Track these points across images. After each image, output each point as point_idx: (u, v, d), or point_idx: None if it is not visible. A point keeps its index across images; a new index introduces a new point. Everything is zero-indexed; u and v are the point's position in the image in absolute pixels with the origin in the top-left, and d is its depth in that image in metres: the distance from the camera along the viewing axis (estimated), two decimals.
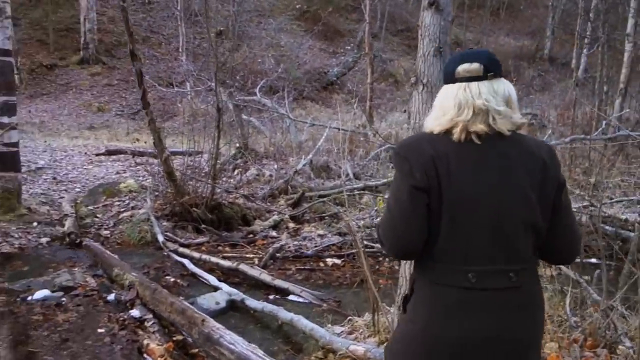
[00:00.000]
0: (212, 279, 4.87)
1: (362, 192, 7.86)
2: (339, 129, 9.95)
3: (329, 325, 3.82)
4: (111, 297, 4.43)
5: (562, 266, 4.20)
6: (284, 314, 3.93)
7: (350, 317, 3.86)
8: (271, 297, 4.68)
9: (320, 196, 7.66)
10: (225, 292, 4.52)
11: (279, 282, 4.75)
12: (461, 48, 23.85)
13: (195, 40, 19.68)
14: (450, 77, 1.64)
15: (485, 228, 1.53)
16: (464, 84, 1.59)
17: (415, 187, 1.53)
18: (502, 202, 1.54)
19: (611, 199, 6.34)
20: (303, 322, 3.70)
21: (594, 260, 5.58)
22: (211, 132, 7.70)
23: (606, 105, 11.89)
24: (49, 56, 19.55)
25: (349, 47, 22.48)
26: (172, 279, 5.01)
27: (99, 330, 3.75)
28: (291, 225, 6.96)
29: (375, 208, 7.56)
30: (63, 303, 4.25)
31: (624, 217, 6.24)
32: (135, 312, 4.07)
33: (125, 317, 3.97)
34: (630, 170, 9.35)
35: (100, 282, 4.76)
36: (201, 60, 17.42)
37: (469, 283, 1.53)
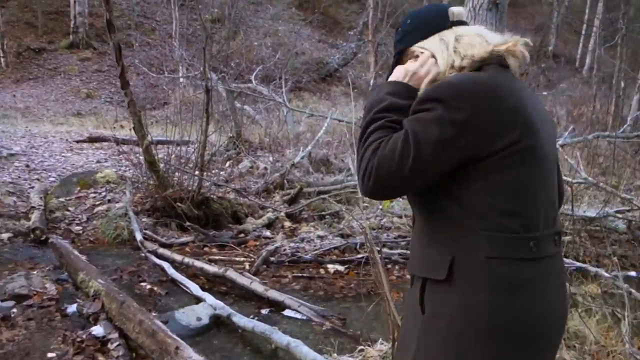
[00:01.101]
0: (195, 288, 4.14)
1: None
2: (340, 120, 9.24)
3: (335, 355, 3.11)
4: (72, 308, 3.71)
5: (617, 282, 3.50)
6: (278, 337, 3.21)
7: (362, 348, 3.14)
8: (264, 311, 3.96)
9: (320, 192, 6.94)
10: (209, 305, 3.80)
11: (273, 294, 4.03)
12: None
13: (189, 27, 18.89)
14: (443, 22, 1.46)
15: (543, 184, 1.35)
16: (460, 27, 1.44)
17: (466, 143, 1.28)
18: (553, 154, 1.42)
19: None
20: (302, 350, 2.99)
21: (633, 273, 4.90)
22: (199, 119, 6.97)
23: (623, 102, 11.22)
24: (37, 39, 18.70)
25: (348, 38, 21.72)
26: (148, 286, 4.29)
27: (49, 355, 3.02)
28: (287, 224, 6.24)
29: (380, 207, 6.87)
30: (12, 316, 3.52)
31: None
32: (97, 330, 3.34)
33: (85, 336, 3.24)
34: None
35: (62, 290, 4.03)
36: (194, 47, 16.66)
37: (530, 253, 1.30)
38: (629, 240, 5.36)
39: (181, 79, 14.84)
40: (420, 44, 1.48)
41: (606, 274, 3.45)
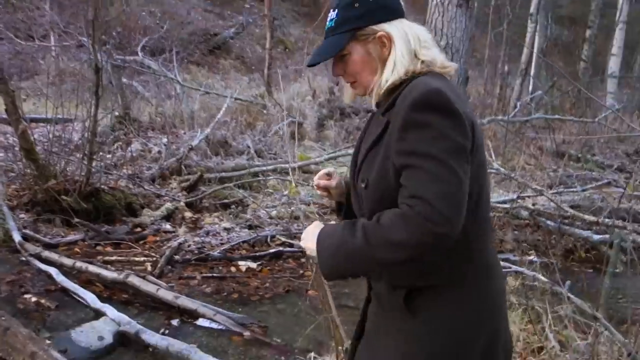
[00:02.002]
0: (91, 298, 3.63)
1: (270, 174, 6.85)
2: (239, 99, 8.79)
3: None
4: None
5: (536, 273, 3.53)
6: (199, 358, 2.87)
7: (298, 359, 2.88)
8: (174, 322, 3.56)
9: (222, 179, 6.53)
10: (112, 320, 3.33)
11: (185, 302, 3.63)
12: None
13: None
14: (402, 9, 1.39)
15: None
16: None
17: (470, 149, 1.25)
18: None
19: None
20: None
21: (532, 257, 5.08)
22: (83, 97, 6.21)
23: (507, 85, 11.82)
24: None
25: (239, 10, 20.97)
26: (34, 299, 3.69)
27: None
28: (188, 214, 5.78)
29: (285, 193, 6.61)
30: None
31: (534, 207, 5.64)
32: None
33: None
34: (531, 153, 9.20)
35: None
36: (69, 11, 15.11)
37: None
38: (528, 224, 5.57)
39: (53, 48, 13.42)
40: (384, 25, 1.35)
41: (527, 272, 3.46)
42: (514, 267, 3.47)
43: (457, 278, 1.33)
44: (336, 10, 1.38)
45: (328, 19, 1.41)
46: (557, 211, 4.85)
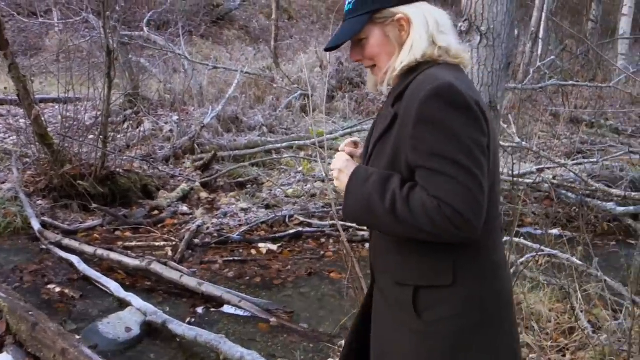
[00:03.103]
0: (115, 287, 3.62)
1: (284, 151, 6.78)
2: (248, 73, 8.66)
3: None
4: None
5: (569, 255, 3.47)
6: (228, 348, 2.85)
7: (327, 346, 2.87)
8: (199, 309, 3.56)
9: (236, 158, 6.46)
10: (137, 310, 3.33)
11: (209, 288, 3.61)
12: None
13: None
14: None
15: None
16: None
17: (487, 143, 1.23)
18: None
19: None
20: None
21: (555, 231, 5.02)
22: (89, 74, 6.11)
23: (517, 49, 11.54)
24: None
25: None
26: (58, 289, 3.69)
27: None
28: (204, 195, 5.75)
29: (300, 169, 6.55)
30: None
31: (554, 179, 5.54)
32: (5, 359, 2.78)
33: None
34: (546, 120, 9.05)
35: None
36: None
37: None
38: (548, 197, 5.49)
39: (56, 24, 13.23)
40: (403, 8, 1.31)
41: (561, 254, 3.41)
42: (547, 250, 3.40)
43: (462, 278, 1.31)
44: None
45: (346, 2, 1.38)
46: (579, 184, 4.76)
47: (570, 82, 7.70)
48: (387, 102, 1.38)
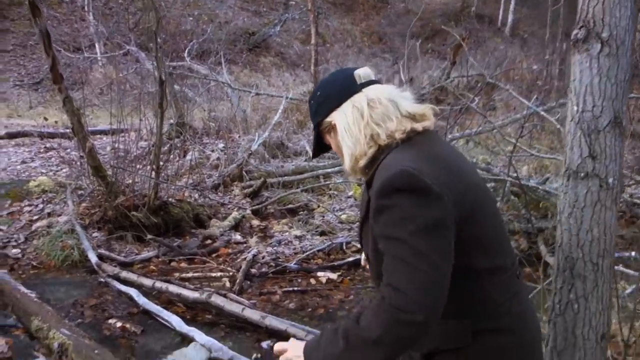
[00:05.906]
0: (177, 321, 3.52)
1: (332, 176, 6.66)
2: (292, 99, 8.63)
3: None
4: None
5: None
6: None
7: None
8: (264, 344, 3.42)
9: (284, 184, 6.37)
10: (202, 347, 3.21)
11: (273, 322, 3.47)
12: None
13: None
14: (352, 86, 1.38)
15: (499, 221, 1.40)
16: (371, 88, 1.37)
17: (453, 218, 1.22)
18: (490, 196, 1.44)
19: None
20: None
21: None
22: (139, 104, 6.16)
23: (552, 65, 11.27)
24: None
25: (275, 6, 20.83)
26: (119, 324, 3.61)
27: None
28: (255, 223, 5.65)
29: (351, 193, 6.42)
30: None
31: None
32: None
33: None
34: None
35: (10, 343, 3.27)
36: (112, 21, 15.29)
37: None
38: (622, 216, 5.20)
39: (99, 58, 13.58)
40: (333, 114, 1.39)
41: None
42: None
43: (469, 338, 1.29)
44: None
45: None
46: None
47: None
48: (364, 186, 1.42)
